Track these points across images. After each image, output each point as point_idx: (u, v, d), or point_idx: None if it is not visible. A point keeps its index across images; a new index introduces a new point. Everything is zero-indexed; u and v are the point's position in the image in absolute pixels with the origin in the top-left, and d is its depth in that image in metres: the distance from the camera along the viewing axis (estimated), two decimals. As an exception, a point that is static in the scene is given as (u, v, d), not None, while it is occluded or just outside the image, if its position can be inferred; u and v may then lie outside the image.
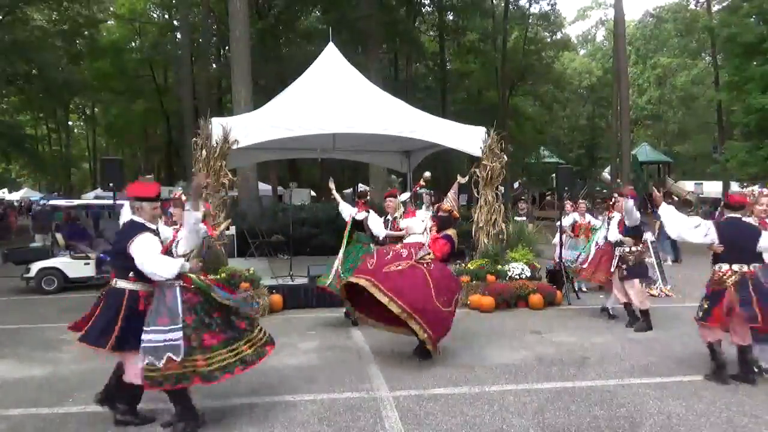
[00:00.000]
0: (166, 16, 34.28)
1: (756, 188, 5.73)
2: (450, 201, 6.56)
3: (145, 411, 4.19)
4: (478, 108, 28.39)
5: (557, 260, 9.25)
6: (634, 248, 6.96)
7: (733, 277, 4.86)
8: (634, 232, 6.99)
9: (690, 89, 37.69)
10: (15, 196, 38.11)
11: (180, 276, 3.83)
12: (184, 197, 4.78)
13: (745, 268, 4.88)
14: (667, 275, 9.84)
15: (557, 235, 9.44)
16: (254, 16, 22.51)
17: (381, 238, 6.86)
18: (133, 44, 35.22)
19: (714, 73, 29.86)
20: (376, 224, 6.84)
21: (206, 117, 8.35)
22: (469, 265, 8.87)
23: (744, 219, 5.10)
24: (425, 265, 5.46)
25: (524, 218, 11.15)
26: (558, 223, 9.66)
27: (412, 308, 5.11)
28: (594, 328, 7.08)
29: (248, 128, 8.20)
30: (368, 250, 6.84)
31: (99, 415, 4.20)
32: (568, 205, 9.92)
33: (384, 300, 5.13)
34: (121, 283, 3.93)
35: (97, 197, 24.49)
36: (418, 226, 6.05)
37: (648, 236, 8.84)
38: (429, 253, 5.60)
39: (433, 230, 5.98)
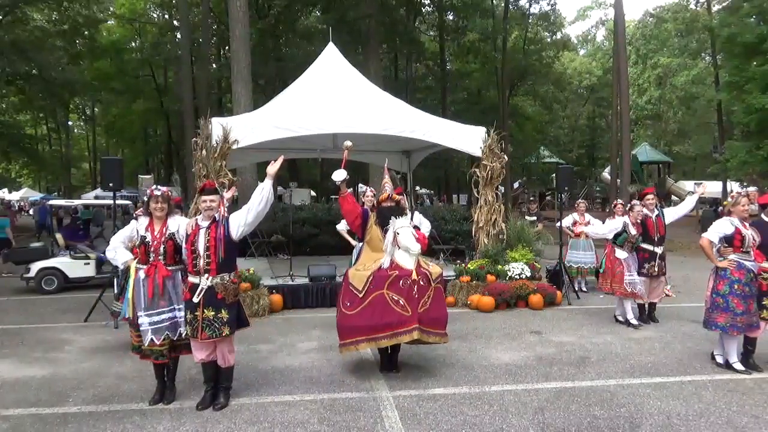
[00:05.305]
0: (166, 16, 34.31)
1: (754, 189, 5.76)
2: (388, 189, 5.41)
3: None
4: (478, 108, 28.33)
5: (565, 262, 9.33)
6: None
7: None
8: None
9: (690, 89, 37.66)
10: (15, 196, 38.13)
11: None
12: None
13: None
14: (667, 275, 9.84)
15: (568, 238, 9.51)
16: (254, 16, 22.49)
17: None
18: (133, 44, 35.24)
19: (714, 73, 29.85)
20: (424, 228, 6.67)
21: (206, 117, 8.34)
22: (469, 265, 8.87)
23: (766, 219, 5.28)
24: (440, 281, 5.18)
25: (534, 218, 11.18)
26: (558, 224, 9.68)
27: (443, 327, 5.08)
28: (594, 328, 7.08)
29: (248, 128, 8.19)
30: None
31: (99, 415, 4.21)
32: (581, 205, 10.01)
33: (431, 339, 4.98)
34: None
35: (97, 197, 24.56)
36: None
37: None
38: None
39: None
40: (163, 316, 4.29)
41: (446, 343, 5.28)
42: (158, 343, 4.26)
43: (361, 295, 4.85)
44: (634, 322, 7.14)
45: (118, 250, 4.55)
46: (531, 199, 15.67)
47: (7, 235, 13.08)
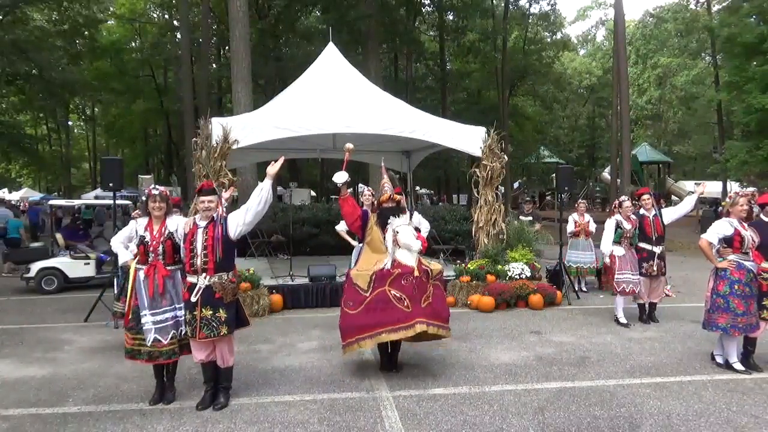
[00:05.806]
0: (166, 16, 34.31)
1: (753, 189, 5.76)
2: (388, 190, 5.35)
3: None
4: (478, 108, 28.34)
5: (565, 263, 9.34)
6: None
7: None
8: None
9: (690, 89, 37.69)
10: (15, 196, 38.10)
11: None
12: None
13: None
14: (667, 275, 9.85)
15: (568, 239, 9.49)
16: (254, 16, 22.49)
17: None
18: (133, 44, 35.25)
19: (714, 73, 29.85)
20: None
21: (206, 117, 8.34)
22: (469, 265, 8.87)
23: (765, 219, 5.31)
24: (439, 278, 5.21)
25: (530, 218, 11.16)
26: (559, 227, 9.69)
27: (446, 321, 5.11)
28: (594, 328, 7.08)
29: (248, 128, 8.19)
30: None
31: (99, 415, 4.21)
32: (581, 205, 10.02)
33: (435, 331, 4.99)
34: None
35: (97, 197, 24.57)
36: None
37: None
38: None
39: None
40: (167, 315, 4.30)
41: (448, 338, 5.27)
42: (166, 342, 4.27)
43: (367, 294, 4.87)
44: (622, 320, 7.14)
45: (118, 251, 4.59)
46: (527, 199, 15.71)
47: (20, 235, 13.19)
